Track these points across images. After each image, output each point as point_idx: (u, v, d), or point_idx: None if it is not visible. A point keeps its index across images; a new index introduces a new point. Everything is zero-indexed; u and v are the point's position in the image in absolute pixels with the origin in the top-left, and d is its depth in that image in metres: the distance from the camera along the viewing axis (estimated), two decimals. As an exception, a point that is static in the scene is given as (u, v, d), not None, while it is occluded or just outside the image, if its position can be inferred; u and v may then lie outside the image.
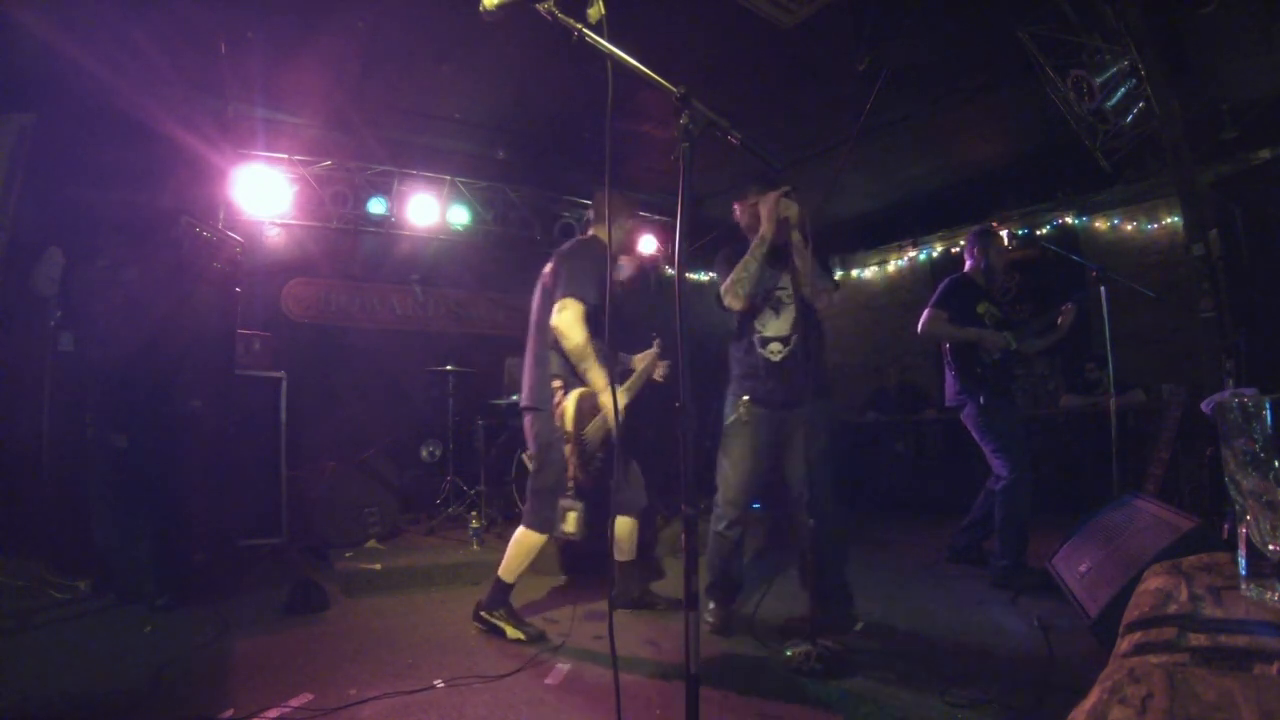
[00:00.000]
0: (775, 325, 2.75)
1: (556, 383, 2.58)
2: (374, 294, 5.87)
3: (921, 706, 1.96)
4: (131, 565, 3.02)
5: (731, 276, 2.69)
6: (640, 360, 3.05)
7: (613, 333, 2.43)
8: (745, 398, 2.73)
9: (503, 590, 2.70)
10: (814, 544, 2.46)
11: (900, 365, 6.96)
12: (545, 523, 2.65)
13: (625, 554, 2.94)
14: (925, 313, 3.53)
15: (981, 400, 3.35)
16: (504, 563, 2.70)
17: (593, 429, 2.58)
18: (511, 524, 4.44)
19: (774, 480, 2.89)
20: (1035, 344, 3.52)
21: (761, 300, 2.76)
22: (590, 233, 2.98)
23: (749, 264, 2.65)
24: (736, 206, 2.90)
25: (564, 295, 2.57)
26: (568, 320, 2.54)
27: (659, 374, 3.04)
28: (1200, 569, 1.16)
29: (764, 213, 2.62)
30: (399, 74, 4.28)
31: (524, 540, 2.69)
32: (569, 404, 2.51)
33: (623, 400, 2.70)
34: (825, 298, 2.78)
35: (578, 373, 2.59)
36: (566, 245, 2.83)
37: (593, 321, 2.59)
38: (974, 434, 3.45)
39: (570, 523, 2.51)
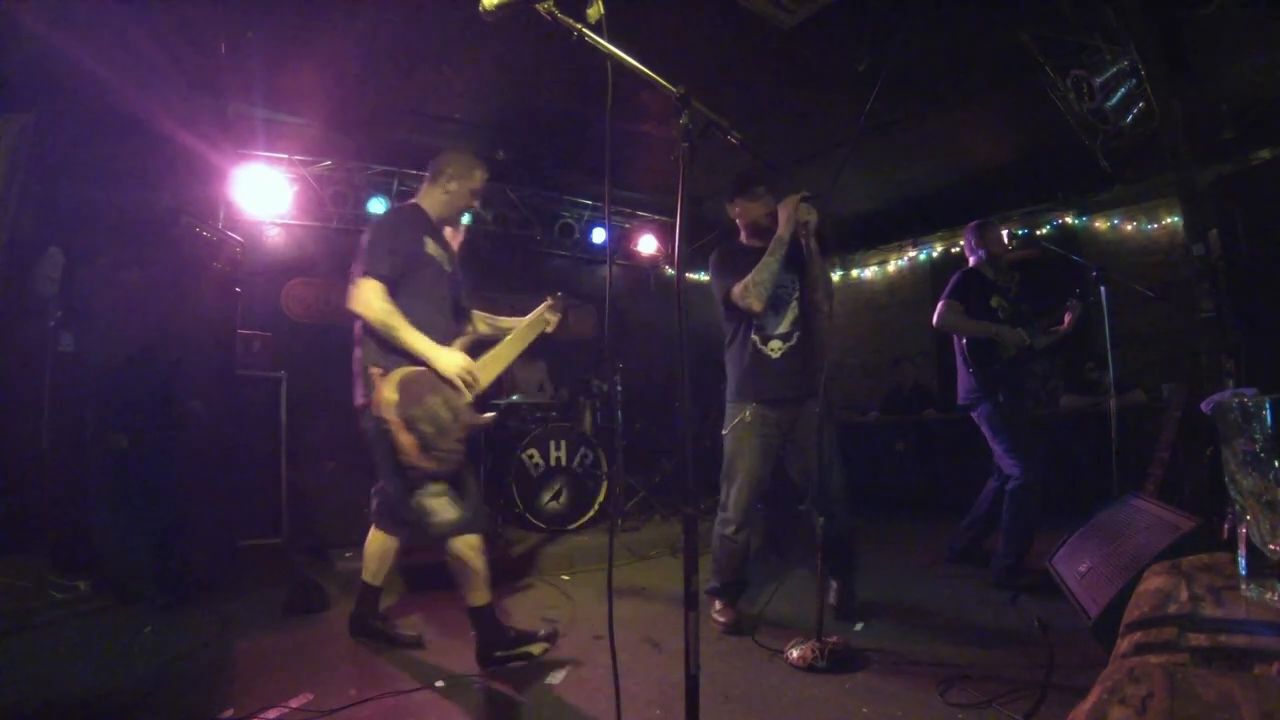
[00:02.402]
0: (776, 323, 2.75)
1: (376, 370, 2.24)
2: (374, 294, 5.85)
3: (922, 706, 1.96)
4: (131, 565, 3.02)
5: (752, 279, 2.63)
6: (510, 322, 2.78)
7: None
8: (751, 403, 2.70)
9: (367, 594, 2.64)
10: (824, 542, 2.45)
11: (908, 365, 6.95)
12: (392, 524, 2.59)
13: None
14: (940, 304, 3.46)
15: (1000, 398, 3.27)
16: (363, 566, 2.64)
17: (431, 408, 2.20)
18: (511, 524, 4.47)
19: (774, 480, 2.89)
20: (1041, 340, 3.49)
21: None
22: (414, 201, 2.58)
23: (770, 265, 2.61)
24: (737, 202, 2.86)
25: (359, 274, 2.28)
26: (362, 298, 2.24)
27: (551, 327, 2.78)
28: (1200, 569, 1.16)
29: (783, 215, 2.64)
30: (399, 74, 4.28)
31: (372, 540, 2.62)
32: (387, 386, 2.15)
33: (486, 375, 2.43)
34: (829, 305, 2.79)
35: (397, 349, 2.26)
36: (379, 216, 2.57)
37: (404, 298, 2.30)
38: (987, 433, 3.39)
39: (442, 509, 2.20)
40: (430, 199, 2.54)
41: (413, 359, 2.25)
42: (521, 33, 3.54)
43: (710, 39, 3.86)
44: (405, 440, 2.12)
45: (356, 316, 2.29)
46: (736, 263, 2.74)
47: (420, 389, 2.21)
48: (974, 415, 3.42)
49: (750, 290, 2.63)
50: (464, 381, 2.30)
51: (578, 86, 4.17)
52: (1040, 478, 3.22)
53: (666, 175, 5.78)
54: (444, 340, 2.33)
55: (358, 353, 2.36)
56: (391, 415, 2.12)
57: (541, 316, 2.74)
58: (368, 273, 2.25)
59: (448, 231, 2.62)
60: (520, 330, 2.70)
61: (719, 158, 4.76)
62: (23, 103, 3.55)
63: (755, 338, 2.74)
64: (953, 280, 3.53)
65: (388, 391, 2.14)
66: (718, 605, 2.80)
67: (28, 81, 3.68)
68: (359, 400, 2.35)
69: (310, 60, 4.02)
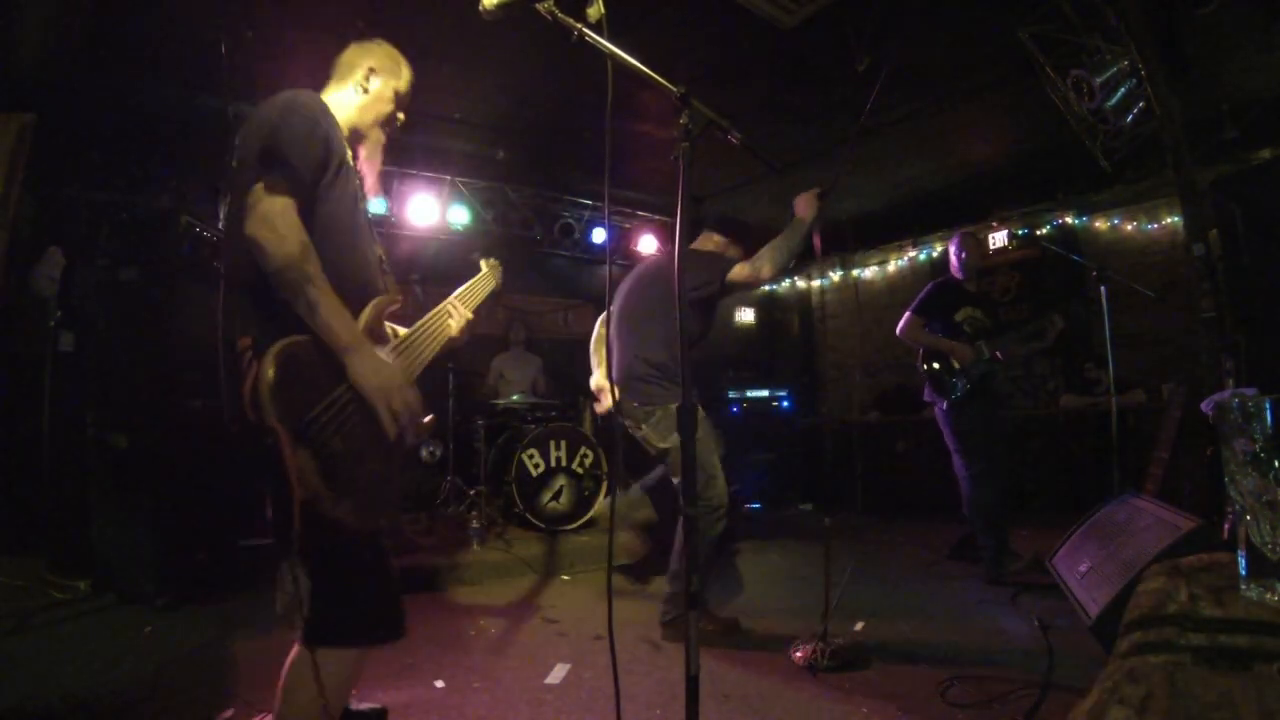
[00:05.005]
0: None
1: (245, 340, 1.31)
2: (374, 294, 5.85)
3: (922, 706, 1.96)
4: (131, 565, 3.02)
5: (768, 252, 2.58)
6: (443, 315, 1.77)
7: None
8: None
9: None
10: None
11: (905, 365, 6.95)
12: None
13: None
14: (904, 316, 3.65)
15: (945, 406, 3.48)
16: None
17: (336, 402, 1.30)
18: (511, 524, 4.46)
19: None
20: (1017, 350, 3.55)
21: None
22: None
23: (793, 242, 2.58)
24: (730, 242, 2.85)
25: (259, 177, 1.31)
26: (267, 216, 1.27)
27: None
28: (1200, 569, 1.15)
29: (804, 205, 2.60)
30: (399, 74, 4.28)
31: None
32: (267, 366, 1.22)
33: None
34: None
35: (304, 315, 1.27)
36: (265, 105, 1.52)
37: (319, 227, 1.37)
38: (943, 431, 3.55)
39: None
40: (338, 99, 1.71)
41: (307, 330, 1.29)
42: (522, 32, 3.54)
43: (710, 39, 3.85)
44: (289, 454, 1.22)
45: (251, 243, 1.27)
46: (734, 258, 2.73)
47: (316, 376, 1.30)
48: (935, 413, 3.61)
49: (764, 260, 2.58)
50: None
51: (578, 86, 4.17)
52: (988, 471, 3.36)
53: (666, 175, 5.78)
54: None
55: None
56: (268, 408, 1.22)
57: (485, 286, 2.03)
58: (279, 175, 1.32)
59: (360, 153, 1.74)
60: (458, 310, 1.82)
61: (719, 158, 4.77)
62: (23, 103, 3.55)
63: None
64: (923, 292, 3.67)
65: (269, 372, 1.22)
66: (709, 620, 2.67)
67: (28, 81, 3.68)
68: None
69: (309, 60, 4.02)
